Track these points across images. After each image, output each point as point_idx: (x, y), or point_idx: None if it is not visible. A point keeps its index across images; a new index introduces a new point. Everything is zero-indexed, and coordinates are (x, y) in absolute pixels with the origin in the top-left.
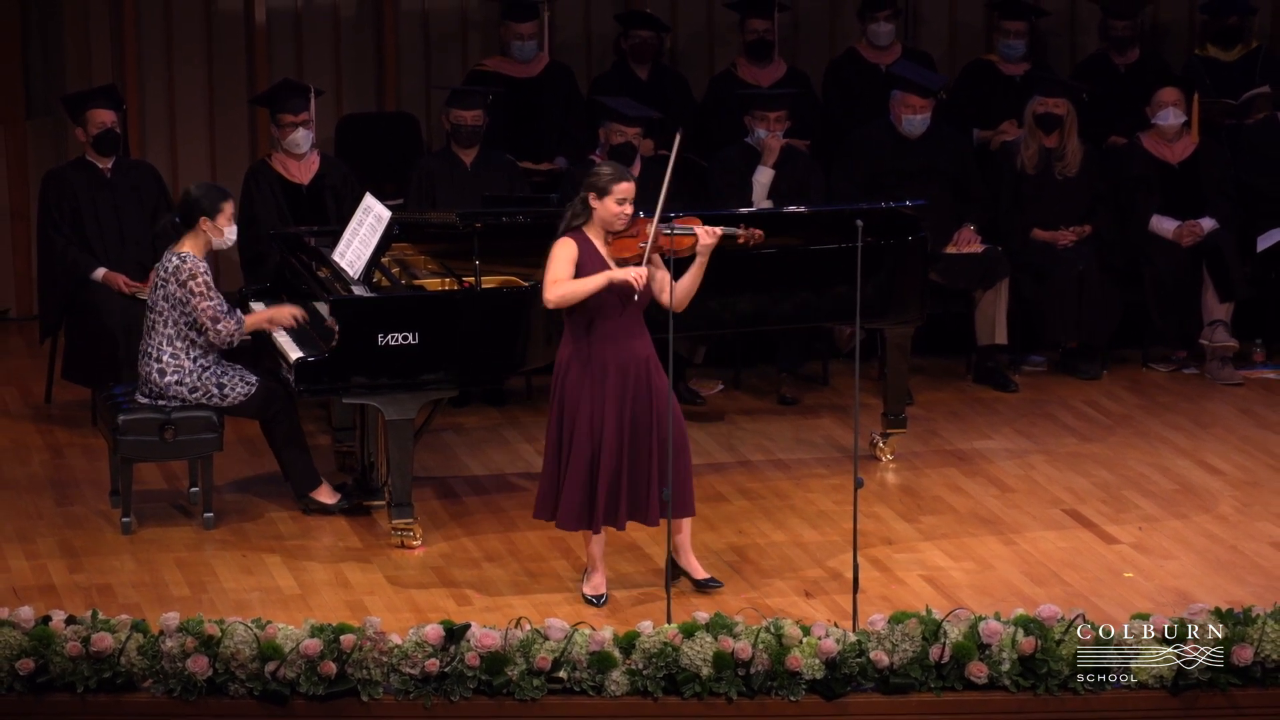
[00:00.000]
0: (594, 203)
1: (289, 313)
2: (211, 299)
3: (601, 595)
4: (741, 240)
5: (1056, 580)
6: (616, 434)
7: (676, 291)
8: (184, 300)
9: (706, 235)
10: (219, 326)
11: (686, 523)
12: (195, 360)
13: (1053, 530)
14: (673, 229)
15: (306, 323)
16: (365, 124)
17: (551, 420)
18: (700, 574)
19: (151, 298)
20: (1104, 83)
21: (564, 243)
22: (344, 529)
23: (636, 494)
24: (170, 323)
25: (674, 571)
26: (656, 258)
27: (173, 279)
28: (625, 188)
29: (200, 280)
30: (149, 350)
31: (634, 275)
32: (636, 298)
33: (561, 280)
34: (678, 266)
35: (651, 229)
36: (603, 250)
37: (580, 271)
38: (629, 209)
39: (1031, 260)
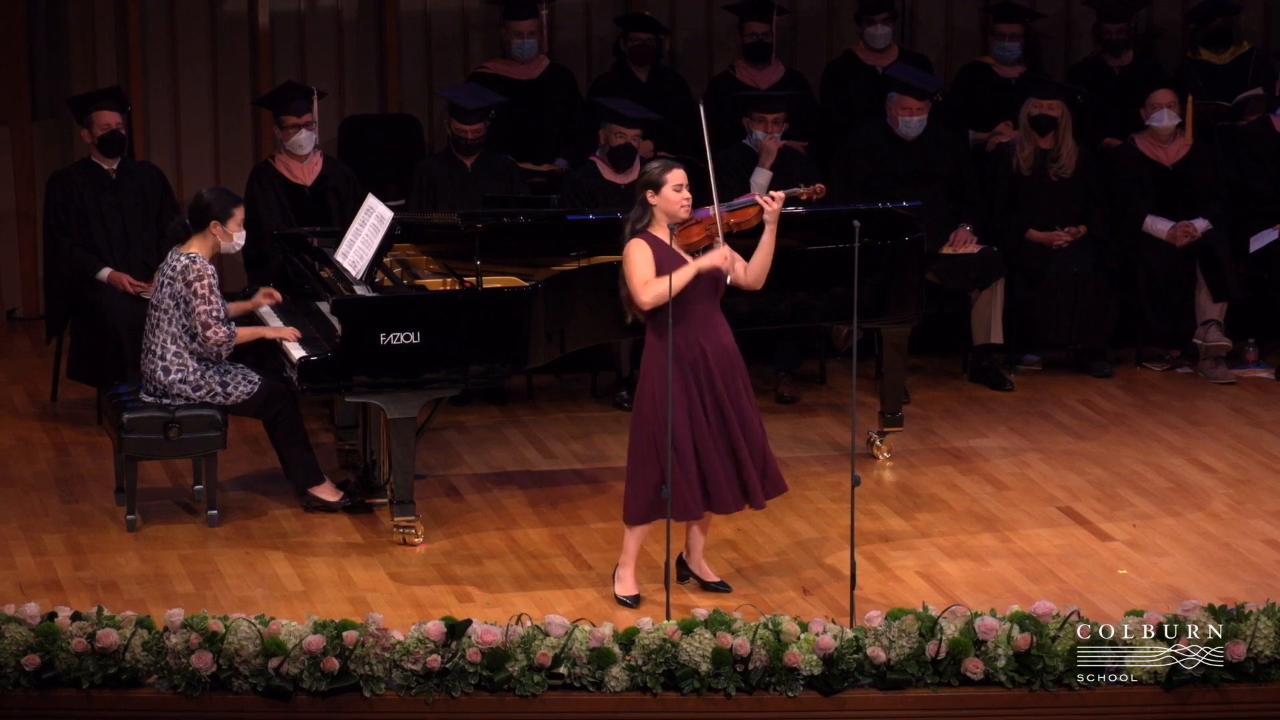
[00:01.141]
0: (653, 199)
1: (288, 333)
2: (211, 303)
3: (636, 595)
4: (805, 196)
5: (1051, 577)
6: (718, 420)
7: (752, 265)
8: (187, 299)
9: (769, 203)
10: (209, 333)
11: (708, 527)
12: (199, 359)
13: (1048, 527)
14: (722, 211)
15: (302, 339)
16: (367, 125)
17: (645, 423)
18: (710, 577)
19: (156, 295)
20: (1098, 85)
21: (636, 244)
22: (346, 526)
23: (750, 475)
24: (174, 320)
25: (684, 573)
26: (720, 240)
27: (180, 278)
28: (677, 174)
29: (206, 283)
30: (152, 348)
31: (721, 256)
32: (730, 279)
33: (651, 280)
34: (747, 240)
35: (714, 210)
36: (674, 245)
37: (659, 269)
38: (688, 195)
39: (1027, 261)
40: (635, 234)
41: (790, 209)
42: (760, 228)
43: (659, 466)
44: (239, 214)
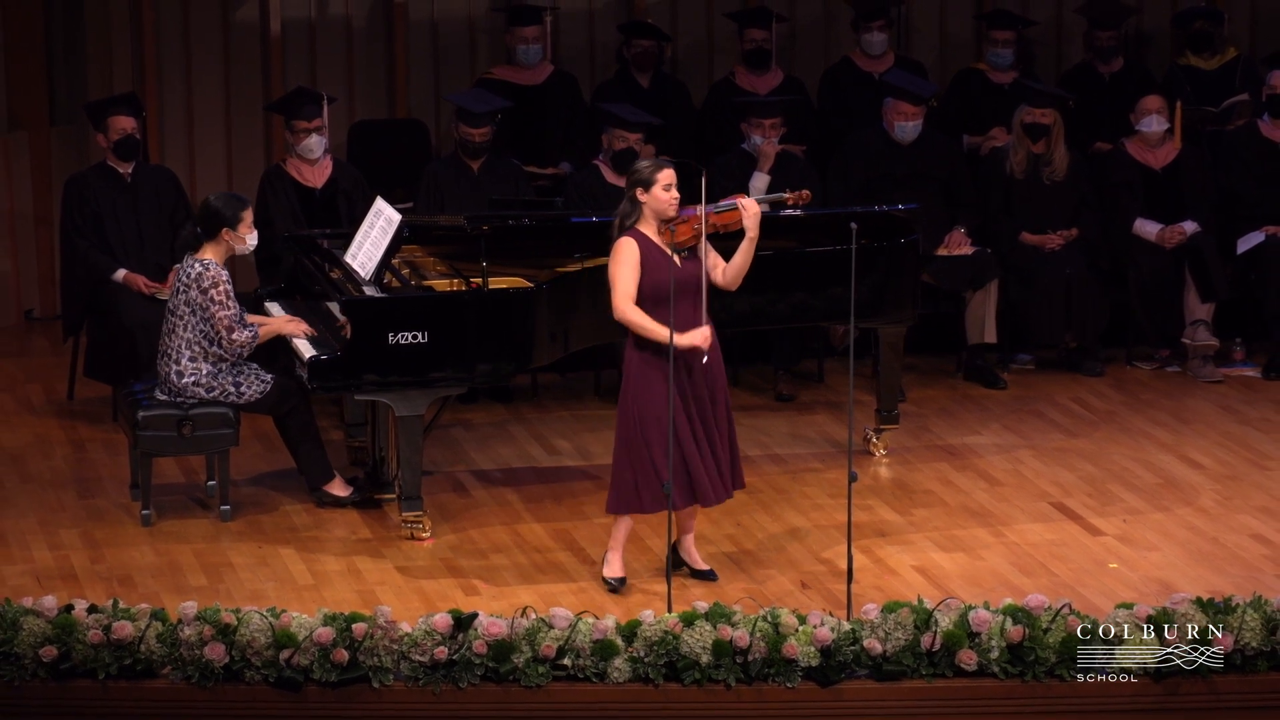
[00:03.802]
0: (642, 196)
1: (303, 328)
2: (229, 308)
3: (621, 578)
4: (790, 201)
5: (1044, 571)
6: (699, 416)
7: (730, 268)
8: (204, 307)
9: (746, 210)
10: (233, 335)
11: (694, 518)
12: (213, 363)
13: (1040, 522)
14: (707, 214)
15: (316, 337)
16: (376, 130)
17: (629, 417)
18: (699, 565)
19: (173, 301)
20: (1089, 91)
21: (625, 244)
22: (356, 521)
23: (724, 469)
24: (190, 327)
25: (676, 559)
26: (706, 241)
27: (194, 285)
28: (668, 174)
29: (221, 289)
30: (168, 352)
31: (700, 339)
32: (705, 359)
33: (631, 297)
34: (731, 242)
35: (700, 211)
36: (659, 242)
37: (645, 268)
38: (676, 194)
39: (1020, 263)
40: (624, 230)
41: (789, 212)
42: (743, 233)
43: (637, 463)
44: (248, 216)
